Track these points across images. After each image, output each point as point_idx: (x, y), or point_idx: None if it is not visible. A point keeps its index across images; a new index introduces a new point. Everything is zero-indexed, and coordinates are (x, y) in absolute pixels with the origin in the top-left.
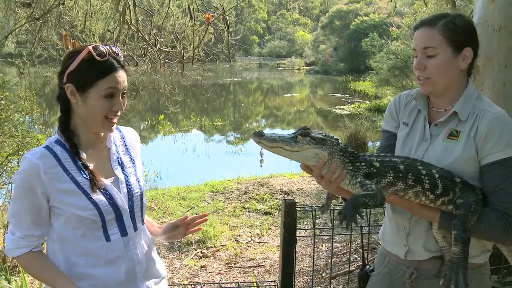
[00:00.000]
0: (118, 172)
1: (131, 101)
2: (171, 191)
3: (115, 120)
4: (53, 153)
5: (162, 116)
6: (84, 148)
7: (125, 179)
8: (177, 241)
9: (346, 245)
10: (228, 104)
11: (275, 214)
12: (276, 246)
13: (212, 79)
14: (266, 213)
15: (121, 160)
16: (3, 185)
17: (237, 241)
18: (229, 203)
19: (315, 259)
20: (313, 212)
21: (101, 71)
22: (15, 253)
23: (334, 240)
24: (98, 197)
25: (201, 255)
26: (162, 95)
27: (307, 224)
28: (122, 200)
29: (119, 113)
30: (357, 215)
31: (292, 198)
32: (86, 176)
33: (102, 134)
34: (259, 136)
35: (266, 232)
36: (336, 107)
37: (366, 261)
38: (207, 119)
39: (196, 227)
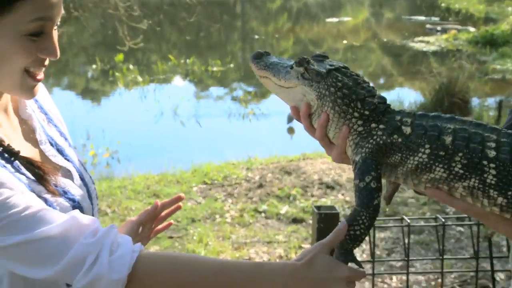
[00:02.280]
0: (59, 159)
1: (61, 30)
2: (135, 183)
3: (41, 76)
4: None
5: (120, 56)
6: None
7: (76, 170)
8: None
9: (435, 278)
10: (232, 36)
11: (311, 222)
12: None
13: None
14: (295, 221)
15: (53, 139)
16: None
17: None
18: (232, 203)
19: None
20: (374, 229)
21: None
22: None
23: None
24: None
25: None
26: (118, 20)
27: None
28: (90, 209)
29: (46, 63)
30: (349, 262)
31: (341, 195)
32: (23, 172)
33: (10, 98)
34: (256, 57)
35: (296, 253)
36: (416, 39)
37: None
38: (197, 61)
39: (165, 223)
